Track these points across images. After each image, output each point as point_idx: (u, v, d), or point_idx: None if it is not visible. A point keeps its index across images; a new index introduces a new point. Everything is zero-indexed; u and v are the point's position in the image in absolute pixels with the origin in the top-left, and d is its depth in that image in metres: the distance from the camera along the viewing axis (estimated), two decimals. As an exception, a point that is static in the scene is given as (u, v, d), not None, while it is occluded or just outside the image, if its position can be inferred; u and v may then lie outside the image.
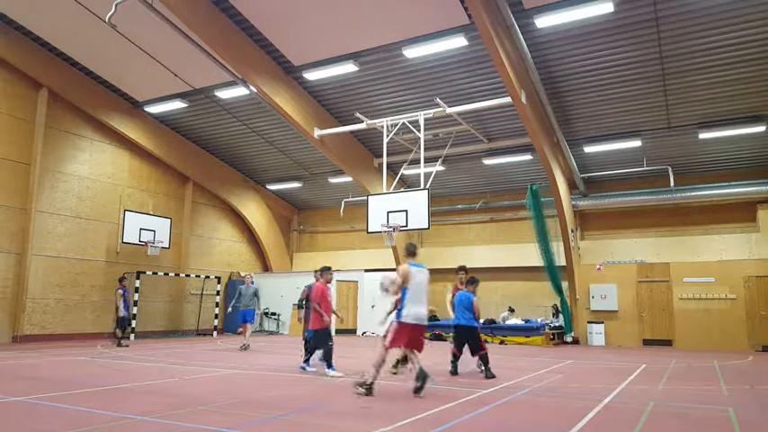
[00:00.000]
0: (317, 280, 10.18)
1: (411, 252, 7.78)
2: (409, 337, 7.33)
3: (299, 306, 11.12)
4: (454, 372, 9.54)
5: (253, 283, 14.74)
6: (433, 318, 19.89)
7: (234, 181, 22.29)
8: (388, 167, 16.67)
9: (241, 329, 14.56)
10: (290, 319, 21.61)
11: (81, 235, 17.30)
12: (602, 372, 10.41)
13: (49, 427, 5.34)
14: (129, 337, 14.73)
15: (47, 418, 5.69)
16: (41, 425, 5.41)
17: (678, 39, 12.33)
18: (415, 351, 7.35)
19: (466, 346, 9.66)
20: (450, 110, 14.42)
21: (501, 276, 19.91)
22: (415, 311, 7.29)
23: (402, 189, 16.51)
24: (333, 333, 9.86)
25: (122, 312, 14.69)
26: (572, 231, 17.86)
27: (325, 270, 9.86)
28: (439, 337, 18.70)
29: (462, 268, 10.80)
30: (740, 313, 16.13)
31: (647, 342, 17.19)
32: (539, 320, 17.78)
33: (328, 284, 9.75)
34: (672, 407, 6.80)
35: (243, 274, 15.58)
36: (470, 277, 10.02)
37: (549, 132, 15.89)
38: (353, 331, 20.65)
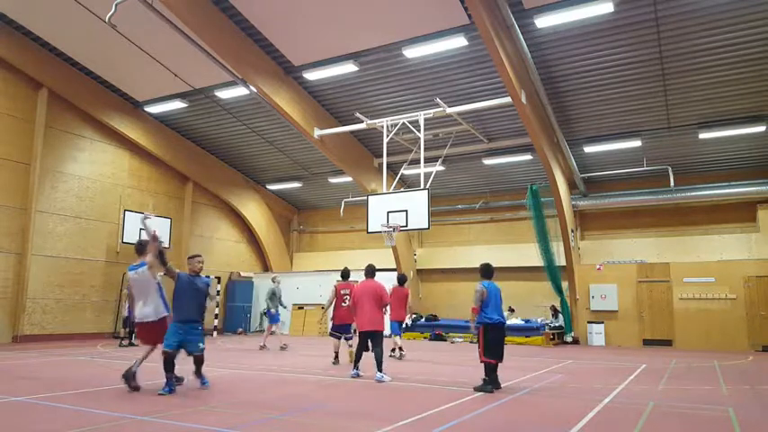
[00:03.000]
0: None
1: (138, 251, 8.53)
2: (146, 332, 7.91)
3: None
4: (498, 386, 7.86)
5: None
6: (433, 318, 19.89)
7: (234, 181, 22.29)
8: (388, 167, 16.65)
9: (259, 329, 14.42)
10: (289, 318, 21.61)
11: (81, 235, 17.30)
12: (602, 372, 10.41)
13: (49, 426, 5.34)
14: (128, 337, 14.75)
15: (47, 418, 5.69)
16: (41, 425, 5.41)
17: (678, 39, 12.33)
18: (149, 346, 7.83)
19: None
20: (450, 110, 14.41)
21: (501, 276, 19.47)
22: (138, 311, 7.87)
23: (402, 189, 16.50)
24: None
25: (125, 312, 14.77)
26: (572, 231, 17.86)
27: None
28: (439, 338, 18.70)
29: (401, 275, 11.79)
30: (740, 313, 16.12)
31: (647, 342, 17.19)
32: (539, 320, 17.78)
33: None
34: (672, 407, 6.80)
35: (272, 276, 15.74)
36: (490, 267, 8.42)
37: (549, 132, 15.89)
38: (354, 331, 20.64)
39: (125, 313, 14.80)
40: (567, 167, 17.67)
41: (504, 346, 8.09)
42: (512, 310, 18.74)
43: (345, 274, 11.56)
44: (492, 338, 7.84)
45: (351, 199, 21.42)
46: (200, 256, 8.15)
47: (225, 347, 15.22)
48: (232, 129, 19.05)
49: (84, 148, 17.60)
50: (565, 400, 7.26)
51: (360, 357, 9.13)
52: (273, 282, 14.94)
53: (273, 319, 14.65)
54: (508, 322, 17.99)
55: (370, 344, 9.01)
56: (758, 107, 14.44)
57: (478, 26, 11.29)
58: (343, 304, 10.85)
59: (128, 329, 14.79)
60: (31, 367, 9.97)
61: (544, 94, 14.21)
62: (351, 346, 10.81)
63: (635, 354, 14.63)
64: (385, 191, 15.90)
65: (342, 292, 10.98)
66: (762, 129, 14.86)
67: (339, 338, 11.09)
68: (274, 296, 14.53)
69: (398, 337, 12.69)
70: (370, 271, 9.48)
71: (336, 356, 11.15)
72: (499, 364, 7.93)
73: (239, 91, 15.86)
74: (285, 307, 14.93)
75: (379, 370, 8.75)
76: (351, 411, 6.35)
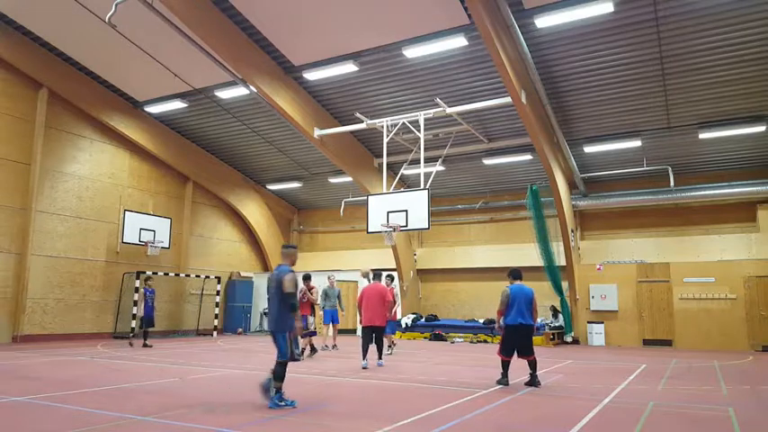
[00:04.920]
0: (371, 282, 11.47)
1: None
2: None
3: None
4: (507, 383, 8.40)
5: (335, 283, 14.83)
6: (433, 318, 19.90)
7: (234, 181, 22.29)
8: (388, 167, 16.65)
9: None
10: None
11: (81, 235, 17.30)
12: (602, 372, 10.41)
13: (49, 427, 5.34)
14: (134, 336, 14.70)
15: (47, 418, 5.69)
16: (41, 425, 5.41)
17: (678, 39, 12.33)
18: None
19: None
20: (450, 110, 14.41)
21: (501, 276, 19.62)
22: None
23: (402, 189, 16.50)
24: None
25: (140, 312, 14.62)
26: (572, 231, 17.86)
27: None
28: (439, 337, 18.71)
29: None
30: (740, 313, 16.13)
31: (647, 342, 17.20)
32: (539, 320, 17.77)
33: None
34: (672, 407, 6.80)
35: (328, 276, 15.13)
36: (514, 270, 8.84)
37: (549, 132, 15.89)
38: (353, 331, 20.66)
39: (141, 313, 14.57)
40: (567, 167, 17.67)
41: (528, 343, 8.41)
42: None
43: (306, 276, 12.70)
44: (508, 338, 8.37)
45: (351, 199, 21.42)
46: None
47: (225, 347, 15.22)
48: (232, 129, 19.05)
49: (84, 148, 17.60)
50: (565, 400, 7.26)
51: (367, 350, 10.45)
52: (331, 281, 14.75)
53: (335, 319, 14.42)
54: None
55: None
56: (758, 107, 14.44)
57: (478, 26, 11.28)
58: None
59: (143, 329, 14.65)
60: (31, 367, 9.97)
61: (544, 94, 14.21)
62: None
63: (635, 354, 14.64)
64: (385, 191, 15.90)
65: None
66: (762, 129, 14.86)
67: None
68: (338, 297, 14.41)
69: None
70: (377, 275, 11.24)
71: (311, 349, 12.56)
72: (500, 365, 8.25)
73: (239, 91, 15.86)
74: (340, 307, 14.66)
75: (380, 357, 10.71)
76: (351, 411, 6.35)
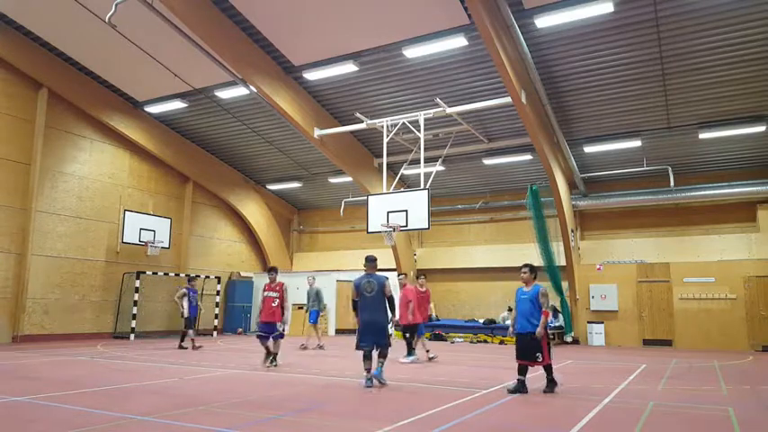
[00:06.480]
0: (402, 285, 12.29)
1: None
2: None
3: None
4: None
5: (314, 283, 14.89)
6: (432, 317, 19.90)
7: (234, 181, 22.29)
8: (388, 167, 16.64)
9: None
10: (290, 318, 21.60)
11: (81, 235, 17.30)
12: (602, 372, 10.41)
13: (49, 427, 5.34)
14: (185, 336, 14.47)
15: (47, 418, 5.69)
16: (42, 425, 5.41)
17: (678, 39, 12.33)
18: None
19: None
20: (450, 110, 14.41)
21: (501, 276, 19.90)
22: None
23: (402, 189, 16.50)
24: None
25: (186, 313, 14.24)
26: (572, 231, 17.86)
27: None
28: (439, 337, 18.69)
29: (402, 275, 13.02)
30: (740, 313, 16.13)
31: (647, 342, 17.19)
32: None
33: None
34: (672, 407, 6.80)
35: (310, 276, 15.54)
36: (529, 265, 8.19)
37: (549, 132, 15.89)
38: (354, 331, 20.64)
39: (186, 313, 14.16)
40: (567, 167, 17.67)
41: None
42: (511, 310, 18.72)
43: (272, 269, 11.42)
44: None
45: (351, 199, 21.42)
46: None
47: (225, 347, 15.22)
48: (232, 129, 19.05)
49: (84, 148, 17.60)
50: (565, 400, 7.26)
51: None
52: (314, 281, 14.92)
53: (312, 318, 14.71)
54: (507, 322, 18.08)
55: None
56: (758, 107, 14.44)
57: (478, 26, 11.28)
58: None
59: (186, 330, 14.27)
60: (31, 367, 9.97)
61: (544, 94, 14.21)
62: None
63: (635, 354, 14.63)
64: (385, 191, 15.90)
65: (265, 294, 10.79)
66: (762, 129, 14.86)
67: (267, 338, 10.57)
68: (317, 296, 14.63)
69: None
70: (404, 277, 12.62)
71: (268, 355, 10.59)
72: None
73: (239, 91, 15.86)
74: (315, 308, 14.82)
75: (428, 351, 12.30)
76: (351, 411, 6.35)
